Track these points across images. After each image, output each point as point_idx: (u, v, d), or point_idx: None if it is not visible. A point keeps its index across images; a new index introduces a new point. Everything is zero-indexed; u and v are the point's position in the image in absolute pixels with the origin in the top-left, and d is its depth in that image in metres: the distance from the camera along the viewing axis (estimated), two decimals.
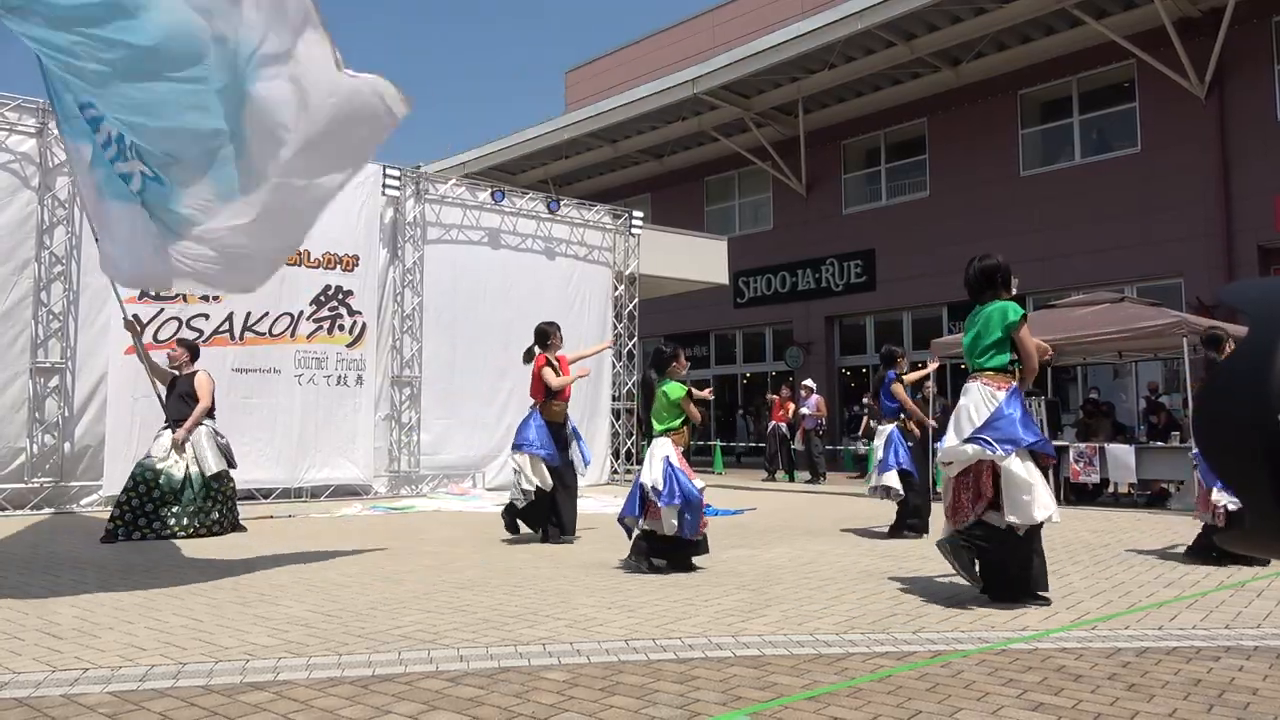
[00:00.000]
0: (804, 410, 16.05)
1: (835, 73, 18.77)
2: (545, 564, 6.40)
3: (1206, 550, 6.30)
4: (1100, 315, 11.58)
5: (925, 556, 6.53)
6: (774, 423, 16.83)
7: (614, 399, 14.06)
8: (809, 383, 16.74)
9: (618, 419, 14.02)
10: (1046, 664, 3.67)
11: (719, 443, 20.04)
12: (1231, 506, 6.15)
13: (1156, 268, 15.67)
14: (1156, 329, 10.78)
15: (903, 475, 7.89)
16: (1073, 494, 11.31)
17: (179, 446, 7.74)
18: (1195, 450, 6.90)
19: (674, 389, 6.17)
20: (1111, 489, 11.53)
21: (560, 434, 7.49)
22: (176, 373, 8.09)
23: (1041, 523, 4.76)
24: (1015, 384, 4.94)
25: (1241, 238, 14.97)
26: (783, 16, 20.31)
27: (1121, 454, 10.81)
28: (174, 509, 7.67)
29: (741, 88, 19.83)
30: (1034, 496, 4.72)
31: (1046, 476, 4.95)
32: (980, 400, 4.92)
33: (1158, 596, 5.16)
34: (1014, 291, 5.14)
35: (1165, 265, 15.57)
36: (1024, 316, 4.98)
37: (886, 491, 7.97)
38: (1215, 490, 6.22)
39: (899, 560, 6.52)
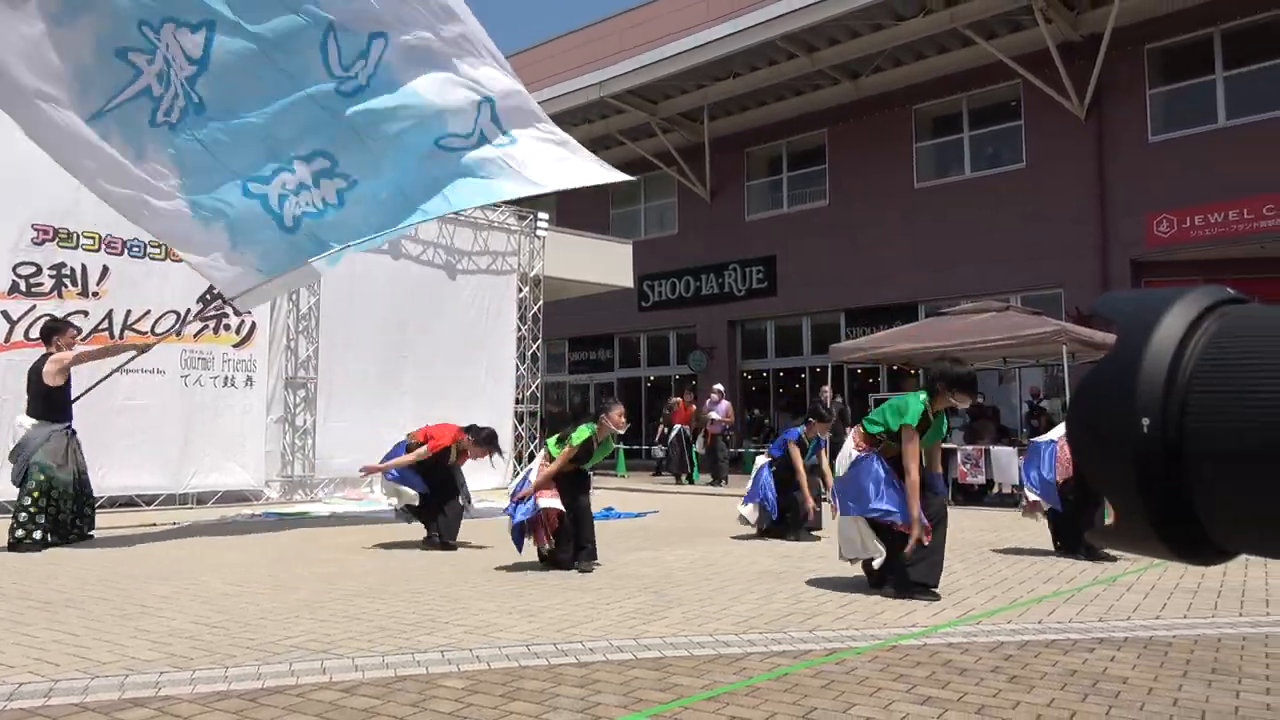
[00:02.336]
0: (713, 415, 16.18)
1: (740, 81, 19.09)
2: (445, 569, 6.30)
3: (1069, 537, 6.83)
4: (986, 323, 12.07)
5: (821, 556, 6.69)
6: (678, 426, 16.96)
7: (517, 401, 13.93)
8: (719, 387, 16.88)
9: (520, 421, 13.89)
10: (935, 659, 3.81)
11: (622, 446, 20.08)
12: (1032, 496, 6.91)
13: (1039, 279, 16.45)
14: (1038, 337, 11.32)
15: (763, 508, 8.05)
16: (960, 495, 11.76)
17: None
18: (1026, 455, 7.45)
19: (581, 434, 6.21)
20: (996, 490, 12.03)
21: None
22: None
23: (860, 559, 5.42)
24: (874, 452, 5.30)
25: (1116, 252, 15.86)
26: (690, 24, 20.52)
27: (1005, 456, 11.29)
28: (81, 509, 7.54)
29: (648, 92, 19.97)
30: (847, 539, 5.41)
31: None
32: (847, 451, 5.46)
33: (1037, 592, 5.41)
34: (947, 397, 5.18)
35: (1047, 277, 16.36)
36: (912, 424, 5.07)
37: (746, 520, 8.21)
38: (1028, 487, 6.99)
39: (796, 560, 6.66)
